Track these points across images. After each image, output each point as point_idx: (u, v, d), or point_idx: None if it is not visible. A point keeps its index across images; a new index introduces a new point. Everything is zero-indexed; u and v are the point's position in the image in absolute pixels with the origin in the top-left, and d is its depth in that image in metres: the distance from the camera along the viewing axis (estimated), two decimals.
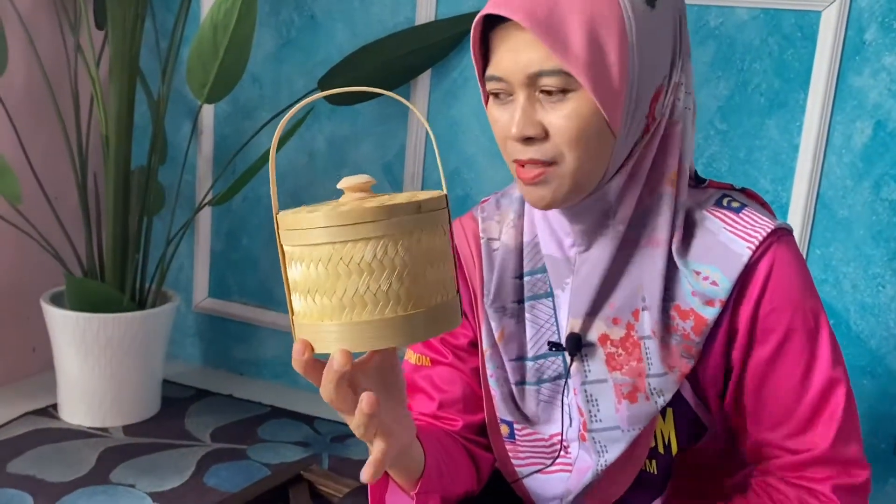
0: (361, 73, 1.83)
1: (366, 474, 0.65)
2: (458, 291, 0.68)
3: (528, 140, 0.75)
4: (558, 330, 0.86)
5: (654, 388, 0.80)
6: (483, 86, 0.79)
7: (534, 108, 0.75)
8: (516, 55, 0.74)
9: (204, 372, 2.18)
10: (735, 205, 0.81)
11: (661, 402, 0.80)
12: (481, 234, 0.90)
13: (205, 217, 2.15)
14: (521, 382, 0.88)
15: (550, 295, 0.86)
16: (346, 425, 1.90)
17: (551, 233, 0.85)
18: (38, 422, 1.77)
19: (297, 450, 1.74)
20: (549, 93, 0.74)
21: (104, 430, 1.77)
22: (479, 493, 0.92)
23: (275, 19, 2.00)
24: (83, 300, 1.73)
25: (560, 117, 0.74)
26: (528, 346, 0.87)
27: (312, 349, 0.63)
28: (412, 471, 0.77)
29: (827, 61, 1.58)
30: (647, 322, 0.80)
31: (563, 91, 0.73)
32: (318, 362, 0.64)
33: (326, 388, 0.63)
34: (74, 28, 1.81)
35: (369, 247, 0.60)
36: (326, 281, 0.61)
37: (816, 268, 1.65)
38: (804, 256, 1.64)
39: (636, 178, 0.80)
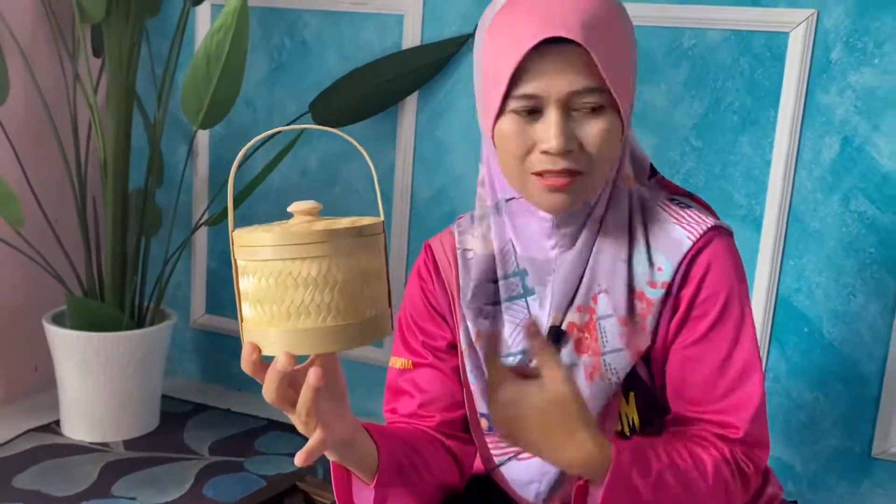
0: (350, 97, 1.90)
1: (298, 458, 0.74)
2: (389, 306, 0.77)
3: (566, 153, 0.82)
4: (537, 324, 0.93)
5: (609, 365, 0.88)
6: (502, 103, 0.83)
7: (569, 124, 0.82)
8: (560, 74, 0.80)
9: (202, 387, 2.24)
10: (682, 204, 0.92)
11: (615, 380, 0.89)
12: (458, 246, 0.98)
13: (201, 236, 2.21)
14: None
15: (524, 295, 0.94)
16: None
17: (530, 237, 0.92)
18: (42, 438, 1.83)
19: (293, 461, 1.80)
20: (584, 111, 0.82)
21: (105, 444, 1.83)
22: (464, 484, 0.99)
23: (267, 44, 2.07)
24: (84, 319, 1.79)
25: (596, 132, 0.82)
26: (507, 342, 0.95)
27: (260, 351, 0.71)
28: (368, 466, 0.84)
29: (795, 80, 1.65)
30: (605, 304, 0.89)
31: (598, 107, 0.82)
32: (264, 364, 0.72)
33: (269, 388, 0.72)
34: (73, 57, 1.87)
35: (314, 264, 0.70)
36: (275, 292, 0.71)
37: (790, 278, 1.72)
38: (779, 263, 1.72)
39: (608, 182, 0.90)
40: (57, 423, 1.90)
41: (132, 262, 1.88)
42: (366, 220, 0.75)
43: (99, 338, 1.77)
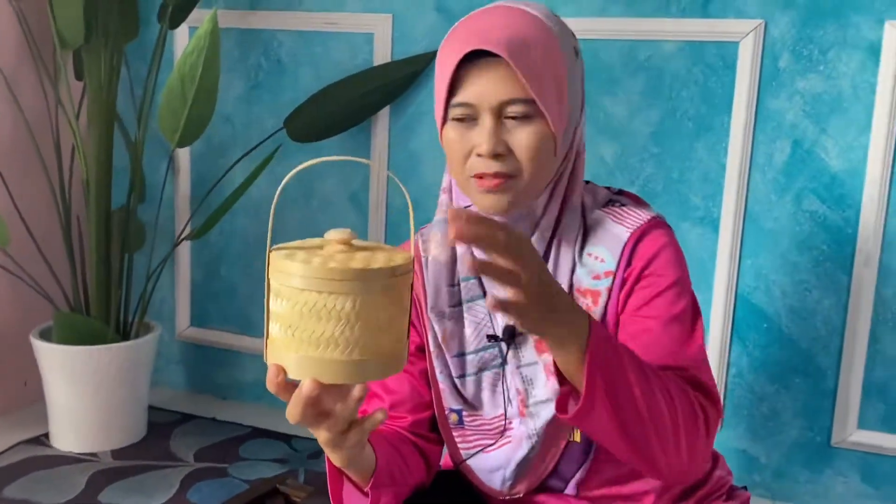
0: (324, 112, 1.97)
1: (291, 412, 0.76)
2: (406, 340, 0.80)
3: (496, 156, 0.90)
4: (493, 325, 1.01)
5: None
6: (445, 111, 0.92)
7: (500, 130, 0.91)
8: (490, 85, 0.89)
9: (189, 397, 2.30)
10: (619, 204, 1.01)
11: None
12: (422, 254, 1.05)
13: (184, 251, 2.28)
14: (464, 375, 1.02)
15: (483, 296, 1.01)
16: None
17: None
18: (31, 450, 1.89)
19: (276, 466, 1.86)
20: (514, 118, 0.90)
21: (93, 454, 1.88)
22: (429, 482, 1.05)
23: (244, 64, 2.14)
24: (70, 334, 1.85)
25: (524, 138, 0.90)
26: (469, 341, 1.02)
27: (285, 373, 0.75)
28: (365, 469, 0.89)
29: (746, 87, 1.73)
30: None
31: (527, 117, 0.90)
32: (290, 385, 0.76)
33: (293, 410, 0.75)
34: (54, 82, 1.94)
35: (339, 299, 0.72)
36: (304, 320, 0.73)
37: (748, 276, 1.79)
38: (737, 263, 1.78)
39: (556, 194, 0.98)
40: (46, 435, 1.96)
41: (116, 278, 1.94)
42: (398, 258, 0.77)
43: (85, 351, 1.84)
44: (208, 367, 2.31)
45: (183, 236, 2.06)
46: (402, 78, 1.95)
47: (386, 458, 0.93)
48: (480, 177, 0.92)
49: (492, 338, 1.00)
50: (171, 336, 2.33)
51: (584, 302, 0.97)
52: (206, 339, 2.29)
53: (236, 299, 2.25)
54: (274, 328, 0.77)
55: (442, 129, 0.94)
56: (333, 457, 0.84)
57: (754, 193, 1.76)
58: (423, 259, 1.05)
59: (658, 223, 0.99)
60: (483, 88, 0.89)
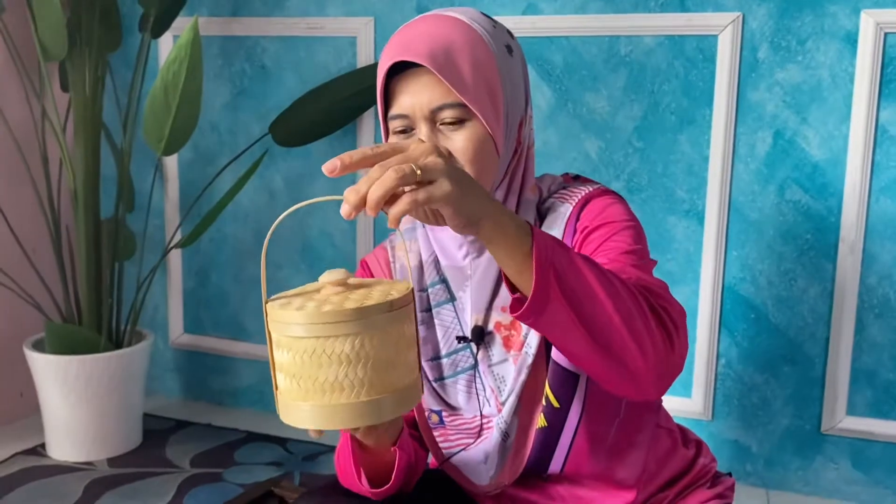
0: (309, 116, 1.98)
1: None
2: (420, 370, 0.80)
3: None
4: (462, 327, 1.02)
5: (528, 344, 0.97)
6: (385, 125, 0.95)
7: (436, 137, 0.92)
8: (419, 94, 0.90)
9: (184, 404, 2.31)
10: (567, 187, 1.03)
11: (531, 351, 0.97)
12: (391, 260, 1.07)
13: (175, 258, 2.28)
14: (440, 378, 1.04)
15: (452, 300, 1.02)
16: (317, 444, 2.03)
17: (444, 248, 1.01)
18: (28, 461, 1.90)
19: (271, 469, 1.87)
20: (448, 123, 0.91)
21: (90, 463, 1.89)
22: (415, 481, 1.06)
23: (228, 71, 2.15)
24: (63, 344, 1.86)
25: (460, 141, 0.91)
26: (441, 344, 1.04)
27: (322, 432, 0.76)
28: (395, 434, 0.93)
29: (727, 79, 1.74)
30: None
31: (461, 121, 0.91)
32: None
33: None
34: (39, 94, 1.95)
35: (347, 341, 0.71)
36: (308, 369, 0.72)
37: (734, 267, 1.80)
38: (723, 254, 1.80)
39: (512, 190, 0.99)
40: (43, 445, 1.97)
41: (107, 287, 1.95)
42: (396, 292, 0.75)
43: (79, 360, 1.85)
44: (203, 373, 2.32)
45: (173, 244, 2.06)
46: None
47: (405, 432, 0.97)
48: None
49: (461, 339, 1.02)
50: (165, 344, 2.34)
51: None
52: (200, 346, 2.30)
53: (228, 306, 2.26)
54: (280, 379, 0.76)
55: (386, 141, 0.95)
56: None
57: (738, 185, 1.78)
58: (391, 265, 1.07)
59: (602, 192, 1.00)
60: (413, 98, 0.90)
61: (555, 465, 1.04)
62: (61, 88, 2.04)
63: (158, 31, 1.96)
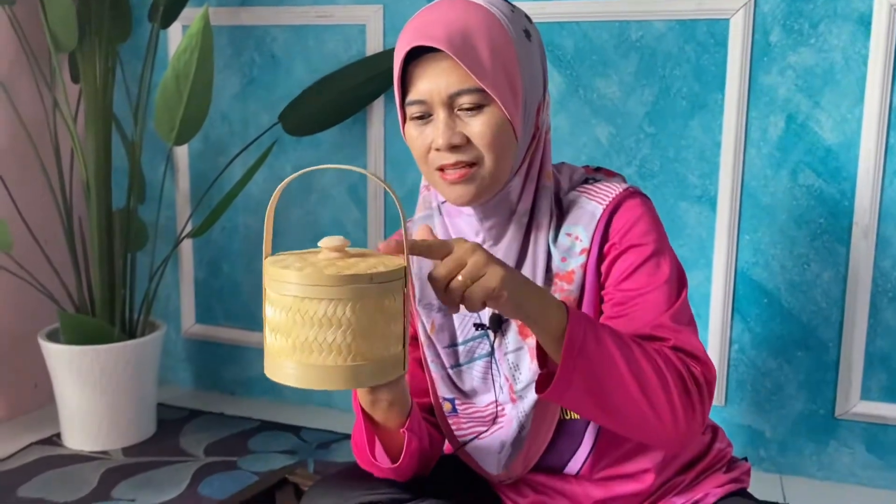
0: (319, 105, 1.98)
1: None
2: (404, 345, 0.82)
3: (453, 148, 0.91)
4: (479, 314, 1.02)
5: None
6: (402, 111, 0.95)
7: (455, 122, 0.91)
8: (437, 79, 0.90)
9: (196, 394, 2.32)
10: (593, 181, 1.02)
11: None
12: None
13: (187, 249, 2.29)
14: (456, 365, 1.04)
15: None
16: (330, 432, 2.04)
17: (462, 235, 1.01)
18: (44, 450, 1.91)
19: (285, 457, 1.88)
20: (466, 109, 0.91)
21: (105, 452, 1.91)
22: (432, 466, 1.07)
23: (238, 61, 2.15)
24: (77, 334, 1.87)
25: (478, 126, 0.91)
26: (458, 332, 1.03)
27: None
28: (402, 412, 0.94)
29: (738, 63, 1.73)
30: None
31: (479, 106, 0.91)
32: None
33: None
34: (50, 85, 1.95)
35: (331, 306, 0.74)
36: (293, 327, 0.76)
37: (747, 252, 1.80)
38: (735, 239, 1.79)
39: (530, 177, 0.98)
40: (58, 435, 1.98)
41: (120, 278, 1.96)
42: (391, 263, 0.79)
43: (93, 350, 1.85)
44: (215, 363, 2.33)
45: (184, 234, 2.07)
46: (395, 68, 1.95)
47: (417, 412, 0.98)
48: (442, 170, 0.93)
49: (478, 326, 1.02)
50: (178, 334, 2.35)
51: (561, 284, 0.98)
52: (212, 336, 2.31)
53: (240, 296, 2.26)
54: (270, 337, 0.79)
55: (403, 128, 0.96)
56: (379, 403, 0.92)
57: (750, 169, 1.77)
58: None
59: (631, 193, 0.99)
60: (431, 84, 0.90)
61: (574, 465, 1.04)
62: (72, 80, 2.04)
63: (167, 22, 1.97)
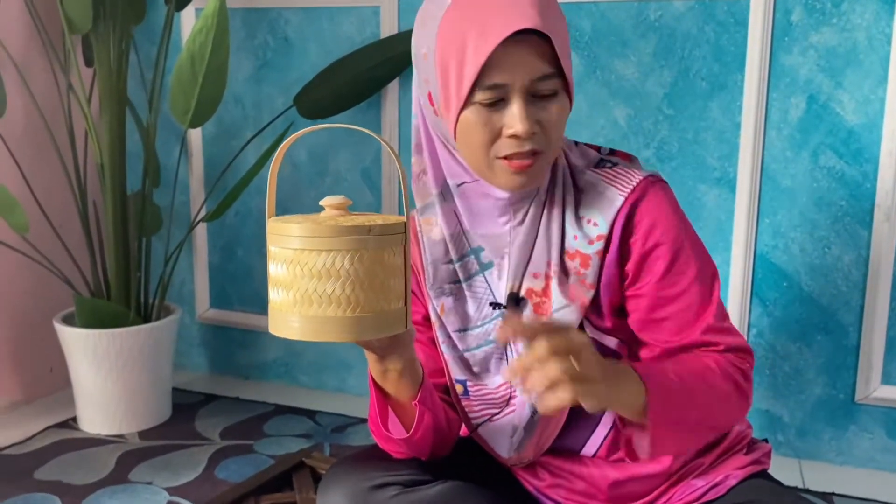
0: (333, 88, 1.96)
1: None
2: (406, 302, 0.82)
3: (531, 135, 0.89)
4: (494, 293, 1.01)
5: (556, 311, 0.96)
6: (466, 97, 0.87)
7: (531, 108, 0.88)
8: (522, 63, 0.86)
9: (211, 379, 2.32)
10: (610, 164, 1.00)
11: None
12: (419, 230, 1.05)
13: (201, 233, 2.29)
14: (468, 349, 1.03)
15: (481, 271, 1.01)
16: (345, 416, 2.04)
17: (481, 217, 0.99)
18: (60, 434, 1.91)
19: (301, 441, 1.88)
20: (544, 95, 0.89)
21: (121, 436, 1.91)
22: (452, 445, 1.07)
23: (251, 43, 2.14)
24: (92, 318, 1.87)
25: (554, 114, 0.89)
26: (472, 316, 1.02)
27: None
28: (413, 385, 0.94)
29: (759, 44, 1.70)
30: (551, 268, 0.97)
31: (555, 93, 0.89)
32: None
33: None
34: (65, 68, 1.95)
35: (321, 256, 0.76)
36: (296, 280, 0.77)
37: (766, 235, 1.78)
38: (755, 222, 1.77)
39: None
40: (74, 419, 1.98)
41: (135, 262, 1.96)
42: (390, 220, 0.81)
43: (108, 334, 1.85)
44: (230, 347, 2.33)
45: (199, 219, 2.07)
46: (410, 50, 1.93)
47: (428, 384, 0.98)
48: (509, 158, 0.90)
49: (495, 305, 1.00)
50: (192, 318, 2.35)
51: (573, 265, 0.96)
52: (227, 321, 2.30)
53: (254, 280, 2.26)
54: (274, 294, 0.81)
55: (458, 114, 0.89)
56: (388, 371, 0.92)
57: (770, 151, 1.75)
58: (419, 238, 1.05)
59: (651, 182, 0.97)
60: (515, 68, 0.86)
61: (590, 447, 1.03)
62: (85, 63, 2.03)
63: (182, 4, 1.95)
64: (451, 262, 1.02)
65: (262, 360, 2.29)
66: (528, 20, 0.84)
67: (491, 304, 1.01)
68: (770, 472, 1.10)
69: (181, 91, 1.71)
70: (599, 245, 0.95)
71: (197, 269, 2.32)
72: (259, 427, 1.96)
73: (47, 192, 2.04)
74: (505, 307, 1.00)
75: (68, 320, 1.95)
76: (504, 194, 0.96)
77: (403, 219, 0.81)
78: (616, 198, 0.95)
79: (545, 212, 0.97)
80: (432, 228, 1.03)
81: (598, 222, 0.96)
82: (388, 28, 1.98)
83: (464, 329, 1.03)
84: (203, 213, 2.17)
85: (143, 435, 1.92)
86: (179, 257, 2.15)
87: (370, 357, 0.92)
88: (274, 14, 2.10)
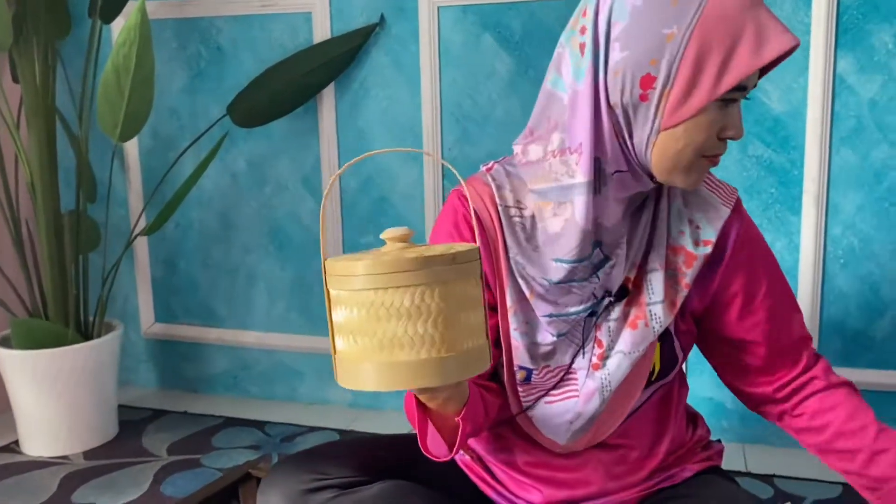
0: (267, 95, 1.95)
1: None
2: (487, 336, 0.76)
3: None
4: (603, 284, 0.97)
5: (654, 314, 0.97)
6: (714, 93, 0.85)
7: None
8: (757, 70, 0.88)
9: (159, 394, 2.29)
10: None
11: (657, 328, 0.97)
12: (498, 202, 0.98)
13: (142, 247, 2.26)
14: (553, 335, 0.99)
15: (601, 265, 0.96)
16: (295, 425, 2.03)
17: (609, 210, 0.94)
18: (2, 458, 1.87)
19: (249, 453, 1.86)
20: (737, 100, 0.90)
21: (65, 457, 1.88)
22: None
23: (184, 54, 2.11)
24: (30, 339, 1.83)
25: (739, 118, 0.91)
26: (571, 308, 0.97)
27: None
28: (460, 403, 0.89)
29: None
30: (653, 260, 0.98)
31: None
32: None
33: None
34: None
35: (408, 293, 0.67)
36: (367, 324, 0.68)
37: None
38: None
39: None
40: (16, 442, 1.94)
41: (72, 279, 1.92)
42: (460, 247, 0.73)
43: (47, 354, 1.82)
44: (176, 361, 2.30)
45: (137, 232, 2.04)
46: (344, 54, 1.93)
47: (475, 396, 0.94)
48: (713, 157, 0.92)
49: (607, 295, 0.98)
50: (137, 334, 2.32)
51: (676, 260, 0.98)
52: (173, 335, 2.28)
53: (198, 292, 2.24)
54: (339, 343, 0.72)
55: (702, 105, 0.86)
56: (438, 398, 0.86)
57: None
58: (498, 206, 0.98)
59: (738, 195, 1.03)
60: (754, 74, 0.88)
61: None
62: (13, 80, 1.99)
63: (109, 17, 1.92)
64: (577, 261, 0.94)
65: (210, 372, 2.27)
66: (793, 38, 0.86)
67: (602, 294, 0.97)
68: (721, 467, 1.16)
69: (108, 105, 1.68)
70: (707, 250, 0.98)
71: (140, 284, 2.28)
72: (207, 440, 1.94)
73: None
74: (613, 297, 0.98)
75: (5, 343, 1.91)
76: (625, 196, 0.95)
77: (476, 245, 0.74)
78: (721, 208, 0.99)
79: (655, 204, 0.99)
80: (555, 220, 0.94)
81: (702, 226, 0.98)
82: (321, 34, 1.97)
83: (556, 315, 0.98)
84: (142, 226, 2.14)
85: (87, 455, 1.89)
86: (122, 273, 2.12)
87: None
88: (205, 23, 2.08)
